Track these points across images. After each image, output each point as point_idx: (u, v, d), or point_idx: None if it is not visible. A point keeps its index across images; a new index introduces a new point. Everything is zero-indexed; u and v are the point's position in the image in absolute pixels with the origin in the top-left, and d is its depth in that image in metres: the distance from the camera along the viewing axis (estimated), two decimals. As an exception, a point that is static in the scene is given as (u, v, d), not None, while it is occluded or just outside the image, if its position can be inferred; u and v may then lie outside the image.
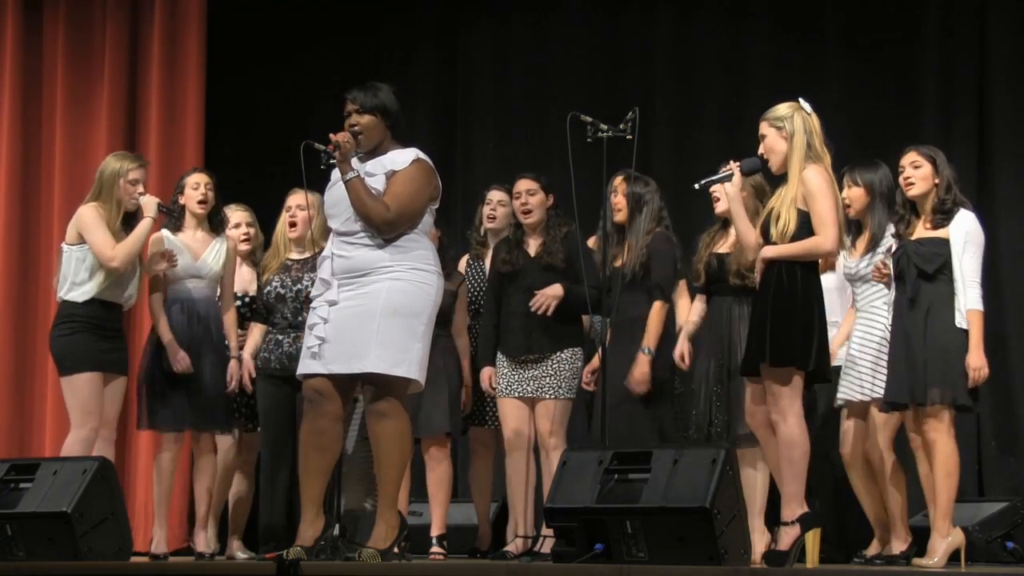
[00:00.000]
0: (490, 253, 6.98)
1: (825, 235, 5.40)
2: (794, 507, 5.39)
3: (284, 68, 8.92)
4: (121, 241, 6.47)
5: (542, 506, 5.73)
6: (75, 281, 6.52)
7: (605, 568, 4.86)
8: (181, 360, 6.58)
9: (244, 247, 7.11)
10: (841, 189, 5.89)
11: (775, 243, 5.46)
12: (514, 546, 6.63)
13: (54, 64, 8.66)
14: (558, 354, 6.55)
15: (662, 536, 4.86)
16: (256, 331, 6.90)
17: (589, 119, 6.15)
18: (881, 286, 6.19)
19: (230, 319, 6.83)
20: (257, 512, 6.97)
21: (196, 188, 6.83)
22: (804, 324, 5.39)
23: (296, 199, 6.90)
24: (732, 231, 6.18)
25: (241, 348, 6.87)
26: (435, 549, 6.68)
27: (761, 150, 5.59)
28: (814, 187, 5.40)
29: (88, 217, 6.52)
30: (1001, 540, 6.54)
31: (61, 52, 8.64)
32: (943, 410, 5.83)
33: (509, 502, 6.81)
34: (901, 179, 6.06)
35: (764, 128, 5.57)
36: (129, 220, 6.58)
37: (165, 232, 6.74)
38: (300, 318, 6.56)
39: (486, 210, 7.03)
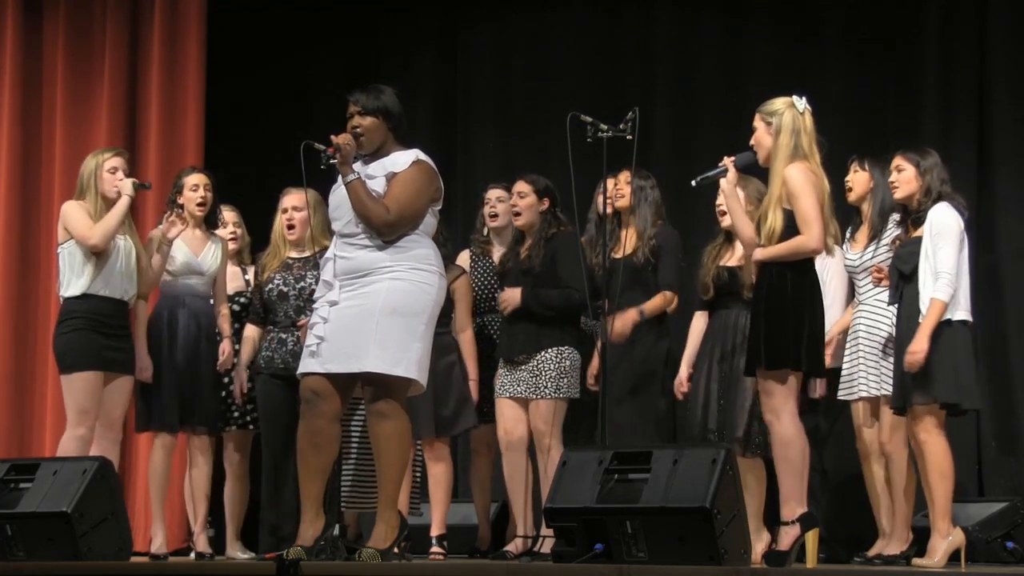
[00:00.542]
0: (495, 249, 7.01)
1: (809, 234, 5.39)
2: (793, 506, 5.39)
3: (284, 68, 8.90)
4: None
5: (541, 506, 5.73)
6: (70, 277, 6.53)
7: (605, 568, 4.85)
8: (144, 371, 6.62)
9: (232, 246, 7.14)
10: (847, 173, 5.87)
11: (763, 245, 5.47)
12: (514, 546, 6.63)
13: (54, 64, 8.65)
14: (541, 354, 6.55)
15: (662, 536, 4.85)
16: (249, 340, 6.92)
17: (589, 119, 6.15)
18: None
19: (224, 311, 6.88)
20: (257, 512, 6.96)
21: (195, 190, 6.85)
22: (795, 325, 5.38)
23: (291, 200, 6.90)
24: (738, 245, 6.18)
25: (237, 350, 6.89)
26: (435, 549, 6.68)
27: (752, 141, 5.60)
28: (795, 186, 5.39)
29: (68, 209, 6.58)
30: (1001, 540, 6.54)
31: (61, 52, 8.63)
32: (930, 410, 5.83)
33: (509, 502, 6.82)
34: (889, 182, 6.09)
35: (756, 120, 5.58)
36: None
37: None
38: (303, 316, 6.57)
39: (486, 210, 7.05)
